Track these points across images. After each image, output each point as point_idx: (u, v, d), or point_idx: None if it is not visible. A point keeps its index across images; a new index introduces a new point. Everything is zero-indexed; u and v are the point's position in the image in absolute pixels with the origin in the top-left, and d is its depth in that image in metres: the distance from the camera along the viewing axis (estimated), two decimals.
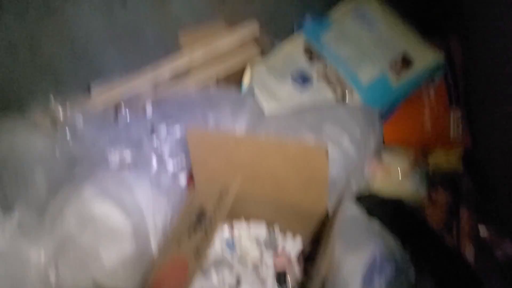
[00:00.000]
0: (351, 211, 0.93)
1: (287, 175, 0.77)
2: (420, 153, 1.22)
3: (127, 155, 1.08)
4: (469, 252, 1.13)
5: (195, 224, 0.78)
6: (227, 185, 0.80)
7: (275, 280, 0.85)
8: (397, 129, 1.23)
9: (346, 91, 1.11)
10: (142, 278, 0.91)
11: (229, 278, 0.86)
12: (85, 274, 0.83)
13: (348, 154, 0.91)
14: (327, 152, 0.72)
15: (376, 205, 1.03)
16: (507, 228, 1.16)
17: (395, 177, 1.09)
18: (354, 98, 1.11)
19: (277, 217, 0.88)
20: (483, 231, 1.20)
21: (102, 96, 1.20)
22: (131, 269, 0.89)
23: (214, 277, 0.86)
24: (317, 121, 0.92)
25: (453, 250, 1.07)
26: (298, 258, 0.89)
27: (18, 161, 1.00)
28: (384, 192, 1.08)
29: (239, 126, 1.02)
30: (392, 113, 1.22)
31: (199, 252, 0.71)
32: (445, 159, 1.31)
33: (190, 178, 1.01)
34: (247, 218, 0.92)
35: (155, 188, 1.01)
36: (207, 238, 0.73)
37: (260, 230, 0.88)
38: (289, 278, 0.85)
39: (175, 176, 1.00)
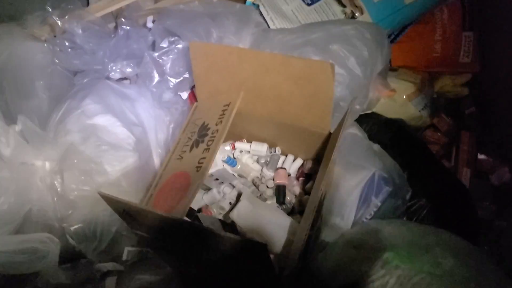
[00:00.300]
0: (353, 131, 0.93)
1: (291, 92, 0.75)
2: (427, 77, 1.19)
3: (128, 68, 1.06)
4: (465, 176, 1.15)
5: (197, 139, 0.79)
6: (229, 101, 0.79)
7: (274, 193, 0.88)
8: (406, 50, 1.20)
9: (356, 7, 1.05)
10: (145, 190, 0.94)
11: (229, 191, 0.88)
12: (89, 184, 0.85)
13: (354, 75, 0.88)
14: (333, 68, 0.70)
15: (378, 125, 1.04)
16: (506, 155, 1.17)
17: (399, 100, 1.08)
18: (364, 15, 1.06)
19: (279, 138, 0.88)
20: (481, 156, 1.21)
21: (101, 6, 1.14)
22: (134, 180, 0.91)
23: (215, 190, 0.88)
24: (324, 39, 0.89)
25: (449, 172, 1.09)
26: (298, 176, 0.90)
27: (18, 71, 0.98)
28: (387, 113, 1.07)
29: (243, 42, 0.98)
30: (402, 33, 1.18)
31: (201, 165, 0.72)
32: (451, 84, 1.29)
33: (192, 95, 1.00)
34: (249, 139, 0.92)
35: (156, 103, 1.00)
36: (209, 152, 0.73)
37: (261, 149, 0.89)
38: (287, 191, 0.88)
39: (176, 91, 0.99)
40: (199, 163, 0.73)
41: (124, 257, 0.92)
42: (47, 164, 0.89)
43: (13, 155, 0.86)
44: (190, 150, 0.78)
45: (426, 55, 1.21)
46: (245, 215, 0.73)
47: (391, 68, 1.14)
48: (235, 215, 0.74)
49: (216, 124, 0.77)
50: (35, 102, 1.02)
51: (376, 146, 0.95)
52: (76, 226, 0.85)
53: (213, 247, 0.64)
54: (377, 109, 1.06)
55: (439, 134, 1.26)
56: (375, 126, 1.03)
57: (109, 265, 0.86)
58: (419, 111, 1.12)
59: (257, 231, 0.73)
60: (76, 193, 0.84)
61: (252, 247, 0.55)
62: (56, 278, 0.83)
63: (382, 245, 0.74)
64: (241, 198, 0.76)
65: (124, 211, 0.67)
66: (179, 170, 0.76)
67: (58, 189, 0.86)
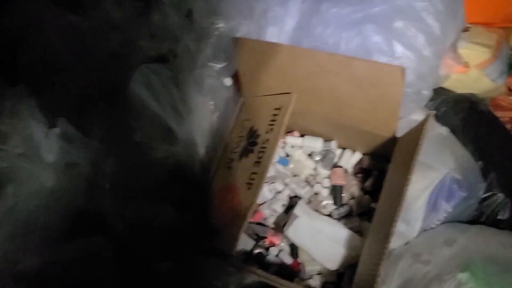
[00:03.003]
0: (417, 118, 0.82)
1: (352, 94, 0.65)
2: (504, 35, 1.03)
3: (163, 49, 0.98)
4: None
5: (246, 146, 0.71)
6: (281, 104, 0.70)
7: (329, 193, 0.81)
8: (481, 6, 1.02)
9: None
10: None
11: (281, 189, 0.83)
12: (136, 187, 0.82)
13: (423, 57, 0.75)
14: (402, 72, 0.59)
15: (446, 104, 0.91)
16: None
17: (471, 72, 0.93)
18: None
19: (336, 134, 0.79)
20: None
21: None
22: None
23: (266, 189, 0.83)
24: (387, 14, 0.75)
25: None
26: (356, 172, 0.83)
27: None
28: (457, 88, 0.94)
29: (291, 16, 0.86)
30: None
31: (253, 182, 0.66)
32: None
33: (237, 80, 0.91)
34: (301, 132, 0.84)
35: (199, 89, 0.93)
36: (261, 167, 0.66)
37: (315, 144, 0.81)
38: (344, 191, 0.81)
39: (219, 78, 0.90)
40: (250, 179, 0.67)
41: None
42: (92, 164, 0.86)
43: (57, 159, 0.84)
44: (240, 159, 0.71)
45: (505, 8, 1.03)
46: (301, 232, 0.68)
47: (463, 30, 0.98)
48: (291, 233, 0.68)
49: (267, 132, 0.69)
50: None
51: (445, 131, 0.85)
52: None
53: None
54: (445, 83, 0.93)
55: None
56: (443, 105, 0.90)
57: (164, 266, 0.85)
58: (494, 80, 0.97)
59: (314, 249, 0.68)
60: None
61: None
62: (114, 281, 0.83)
63: (456, 262, 0.67)
64: (297, 211, 0.70)
65: None
66: (228, 182, 0.71)
67: (105, 186, 0.84)
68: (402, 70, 0.58)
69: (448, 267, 0.67)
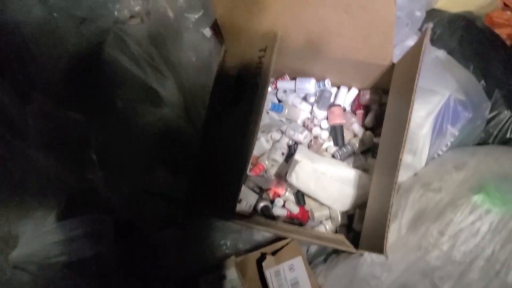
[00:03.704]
0: (412, 43, 0.77)
1: (340, 23, 0.60)
2: None
3: (136, 6, 0.91)
4: None
5: (234, 95, 0.67)
6: (265, 44, 0.65)
7: (329, 135, 0.77)
8: None
9: None
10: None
11: (279, 138, 0.79)
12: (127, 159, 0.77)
13: None
14: None
15: (441, 26, 0.86)
16: None
17: None
18: None
19: (328, 70, 0.74)
20: None
21: None
22: None
23: (263, 139, 0.79)
24: None
25: None
26: (354, 110, 0.78)
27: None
28: (451, 7, 0.88)
29: None
30: None
31: (247, 132, 0.62)
32: None
33: (218, 29, 0.85)
34: (292, 75, 0.79)
35: (178, 45, 0.87)
36: (253, 114, 0.62)
37: (308, 85, 0.76)
38: (345, 131, 0.77)
39: (198, 29, 0.84)
40: (243, 127, 0.63)
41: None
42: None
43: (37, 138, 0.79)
44: (230, 110, 0.67)
45: None
46: (304, 177, 0.65)
47: None
48: (293, 179, 0.65)
49: (255, 76, 0.64)
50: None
51: (442, 54, 0.80)
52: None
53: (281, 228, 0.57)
54: (438, 4, 0.87)
55: (509, 12, 1.05)
56: (437, 27, 0.85)
57: (167, 234, 0.83)
58: None
59: (321, 193, 0.65)
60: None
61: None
62: (116, 255, 0.80)
63: (468, 185, 0.64)
64: (297, 156, 0.66)
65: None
66: (221, 137, 0.66)
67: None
68: None
69: (461, 192, 0.64)
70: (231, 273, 0.74)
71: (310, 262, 0.81)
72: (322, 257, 0.82)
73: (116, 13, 0.92)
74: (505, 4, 1.06)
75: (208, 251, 0.81)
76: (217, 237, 0.83)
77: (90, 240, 0.77)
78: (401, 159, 0.55)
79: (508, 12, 1.05)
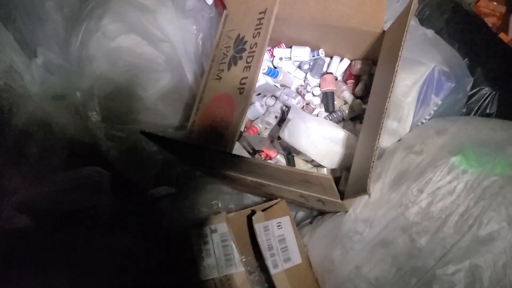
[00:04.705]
0: None
1: None
2: None
3: None
4: None
5: (234, 55, 0.71)
6: (265, 6, 0.69)
7: (321, 101, 0.82)
8: None
9: None
10: (182, 111, 0.89)
11: (273, 103, 0.83)
12: (127, 114, 0.81)
13: None
14: None
15: (430, 7, 0.91)
16: None
17: None
18: None
19: (322, 39, 0.78)
20: None
21: None
22: (171, 102, 0.86)
23: (257, 104, 0.83)
24: None
25: (510, 49, 0.97)
26: (346, 79, 0.83)
27: None
28: None
29: None
30: None
31: (244, 86, 0.66)
32: None
33: None
34: (288, 44, 0.83)
35: (180, 13, 0.90)
36: (251, 71, 0.66)
37: (303, 53, 0.80)
38: (335, 97, 0.81)
39: None
40: (241, 84, 0.67)
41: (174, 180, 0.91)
42: (78, 95, 0.84)
43: (41, 90, 0.82)
44: (229, 69, 0.71)
45: None
46: (296, 133, 0.69)
47: None
48: (286, 135, 0.69)
49: (254, 36, 0.68)
50: (49, 26, 0.93)
51: (430, 32, 0.84)
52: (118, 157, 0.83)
53: (271, 176, 0.61)
54: None
55: (495, 3, 1.11)
56: (427, 8, 0.90)
57: (161, 190, 0.86)
58: None
59: (311, 149, 0.69)
60: (116, 124, 0.81)
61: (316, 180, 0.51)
62: (112, 207, 0.84)
63: (447, 148, 0.69)
64: (290, 115, 0.70)
65: (170, 147, 0.63)
66: (219, 93, 0.70)
67: (95, 121, 0.82)
68: None
69: (440, 154, 0.68)
70: (222, 227, 0.78)
71: (297, 224, 0.86)
72: (309, 220, 0.87)
73: None
74: None
75: (201, 208, 0.84)
76: (209, 197, 0.86)
77: (88, 191, 0.80)
78: (383, 120, 0.58)
79: (494, 3, 1.11)
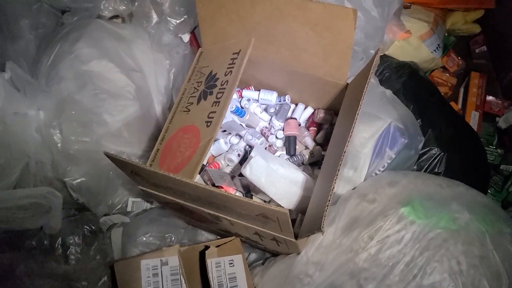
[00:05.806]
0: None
1: (307, 39, 0.69)
2: (440, 14, 1.12)
3: (121, 5, 0.97)
4: (473, 120, 1.13)
5: (205, 90, 0.73)
6: (239, 48, 0.73)
7: (284, 144, 0.85)
8: None
9: None
10: (147, 140, 0.90)
11: (237, 141, 0.85)
12: (88, 135, 0.80)
13: (370, 17, 0.82)
14: (355, 14, 0.64)
15: (390, 69, 0.99)
16: None
17: (412, 41, 1.01)
18: None
19: (290, 86, 0.82)
20: (489, 97, 1.18)
21: None
22: (136, 130, 0.87)
23: (222, 141, 0.85)
24: None
25: (460, 117, 1.06)
26: (308, 126, 0.87)
27: (0, 10, 0.89)
28: (399, 56, 1.02)
29: None
30: None
31: (211, 120, 0.68)
32: (463, 21, 1.23)
33: (194, 37, 0.93)
34: (257, 87, 0.87)
35: (155, 46, 0.93)
36: (219, 106, 0.68)
37: (270, 97, 0.84)
38: (297, 142, 0.85)
39: (177, 33, 0.91)
40: (208, 117, 0.69)
41: (129, 208, 0.90)
42: (42, 114, 0.83)
43: (4, 106, 0.80)
44: (198, 103, 0.73)
45: None
46: (257, 171, 0.70)
47: (404, 6, 1.06)
48: (247, 172, 0.71)
49: (226, 74, 0.71)
50: (21, 43, 0.93)
51: (389, 92, 0.91)
52: (78, 180, 0.81)
53: (229, 209, 0.62)
54: (389, 51, 1.00)
55: (447, 74, 1.21)
56: (387, 70, 0.98)
57: (114, 218, 0.85)
58: (432, 52, 1.06)
59: (270, 188, 0.71)
60: (76, 146, 0.80)
61: (273, 214, 0.53)
62: (61, 232, 0.81)
63: (398, 199, 0.73)
64: (253, 153, 0.73)
65: (133, 172, 0.63)
66: (186, 124, 0.72)
67: (57, 141, 0.81)
68: (355, 12, 0.63)
69: (391, 204, 0.72)
70: (173, 260, 0.76)
71: (250, 265, 0.86)
72: (261, 262, 0.87)
73: (101, 9, 0.97)
74: (444, 68, 1.22)
75: (153, 240, 0.83)
76: (163, 230, 0.85)
77: (37, 212, 0.77)
78: (340, 167, 0.60)
79: (447, 74, 1.21)
